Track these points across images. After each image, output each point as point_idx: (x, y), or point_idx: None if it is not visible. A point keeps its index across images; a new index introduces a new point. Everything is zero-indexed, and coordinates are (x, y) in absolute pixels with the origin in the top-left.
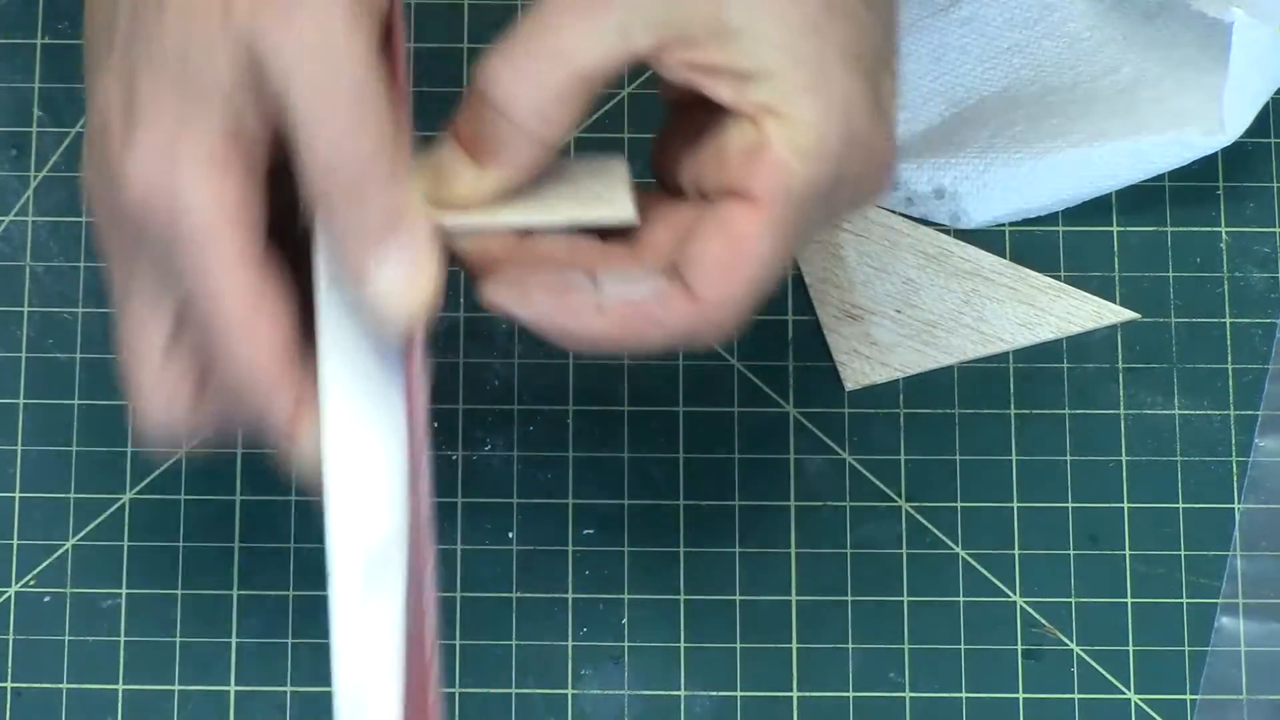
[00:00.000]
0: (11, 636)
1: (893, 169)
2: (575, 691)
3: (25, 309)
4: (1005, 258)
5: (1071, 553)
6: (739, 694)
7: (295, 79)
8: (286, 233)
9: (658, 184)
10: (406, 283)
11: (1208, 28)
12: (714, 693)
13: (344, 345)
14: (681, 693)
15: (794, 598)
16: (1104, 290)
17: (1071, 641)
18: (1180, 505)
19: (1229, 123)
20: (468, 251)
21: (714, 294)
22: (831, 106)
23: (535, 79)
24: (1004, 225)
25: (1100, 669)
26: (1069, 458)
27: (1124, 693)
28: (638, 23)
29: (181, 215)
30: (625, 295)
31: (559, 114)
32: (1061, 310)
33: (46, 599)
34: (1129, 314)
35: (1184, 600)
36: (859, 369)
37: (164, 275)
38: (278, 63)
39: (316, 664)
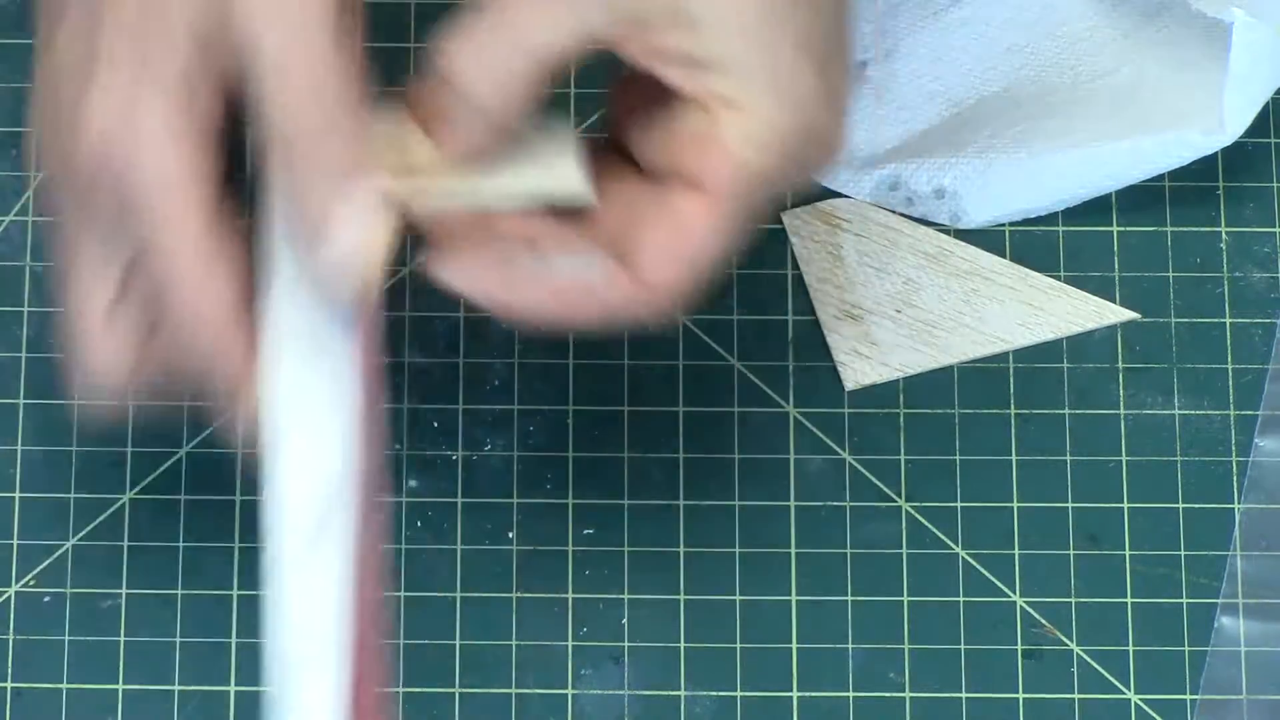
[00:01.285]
0: (11, 636)
1: (840, 150)
2: (575, 691)
3: (25, 309)
4: (1005, 258)
5: (1071, 553)
6: (739, 694)
7: (264, 24)
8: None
9: (610, 142)
10: (361, 240)
11: (1208, 28)
12: (714, 693)
13: (293, 301)
14: (681, 693)
15: (794, 598)
16: (1104, 290)
17: (1071, 641)
18: (1180, 505)
19: (1229, 123)
20: (422, 221)
21: (658, 279)
22: (786, 99)
23: (492, 61)
24: (1004, 225)
25: (1100, 669)
26: (1069, 458)
27: (1124, 693)
28: (595, 8)
29: (139, 167)
30: (569, 271)
31: (515, 96)
32: (1061, 310)
33: (46, 599)
34: (1129, 314)
35: (1184, 600)
36: (859, 369)
37: (114, 230)
38: (244, 8)
39: None
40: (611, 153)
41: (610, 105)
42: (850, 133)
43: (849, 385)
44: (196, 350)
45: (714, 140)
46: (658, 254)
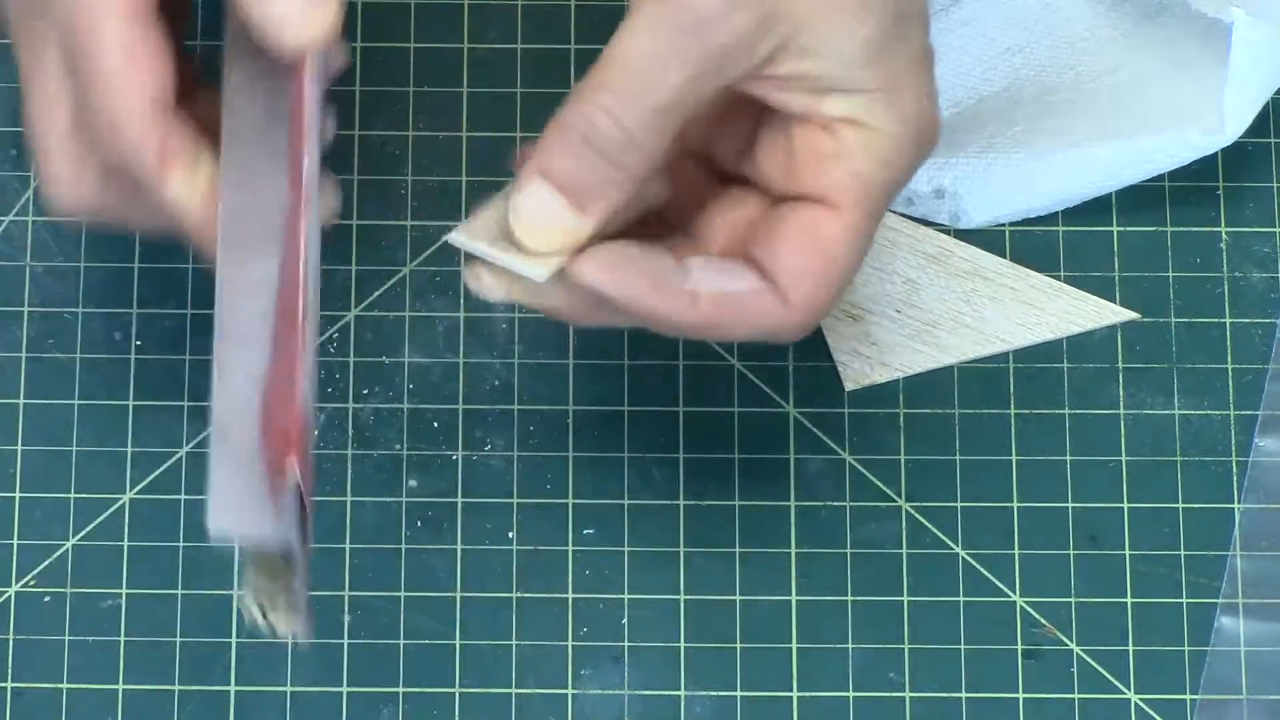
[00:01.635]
0: (11, 636)
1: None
2: (575, 691)
3: (25, 309)
4: (1005, 258)
5: (1071, 553)
6: (739, 694)
7: None
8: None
9: (691, 155)
10: (304, 6)
11: (1208, 28)
12: (714, 693)
13: (245, 102)
14: (681, 693)
15: (794, 598)
16: (1104, 290)
17: (1071, 641)
18: (1180, 505)
19: (1229, 123)
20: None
21: (806, 299)
22: (907, 113)
23: (635, 119)
24: (1004, 225)
25: (1100, 669)
26: (1069, 458)
27: (1124, 693)
28: (714, 53)
29: None
30: (721, 287)
31: (648, 153)
32: (1061, 310)
33: (46, 599)
34: (1129, 314)
35: (1184, 600)
36: (859, 369)
37: (66, 52)
38: None
39: (317, 664)
40: (687, 161)
41: (700, 122)
42: None
43: (849, 385)
44: (115, 140)
45: (842, 159)
46: (804, 275)
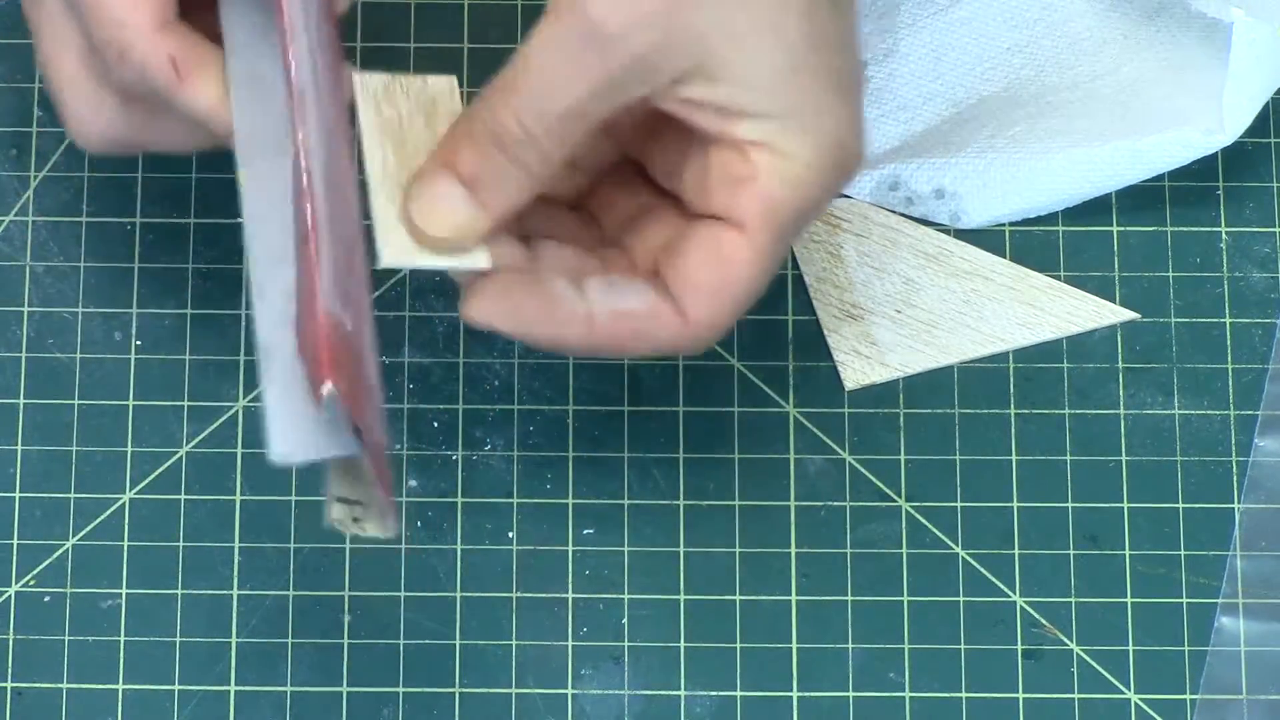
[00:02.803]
0: (11, 636)
1: (861, 166)
2: (575, 691)
3: (25, 309)
4: (1005, 258)
5: (1071, 553)
6: (739, 694)
7: None
8: None
9: (632, 164)
10: None
11: (1208, 28)
12: (714, 693)
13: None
14: (681, 693)
15: (794, 598)
16: (1104, 290)
17: (1071, 641)
18: (1180, 505)
19: (1229, 123)
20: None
21: (704, 316)
22: (821, 138)
23: (537, 122)
24: (1004, 225)
25: (1100, 669)
26: (1069, 458)
27: (1124, 693)
28: (623, 68)
29: None
30: (615, 306)
31: (549, 155)
32: (1061, 310)
33: (46, 599)
34: (1129, 314)
35: (1184, 600)
36: (859, 369)
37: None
38: None
39: (316, 664)
40: (634, 176)
41: (635, 136)
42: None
43: (849, 385)
44: (125, 58)
45: (751, 181)
46: (702, 291)
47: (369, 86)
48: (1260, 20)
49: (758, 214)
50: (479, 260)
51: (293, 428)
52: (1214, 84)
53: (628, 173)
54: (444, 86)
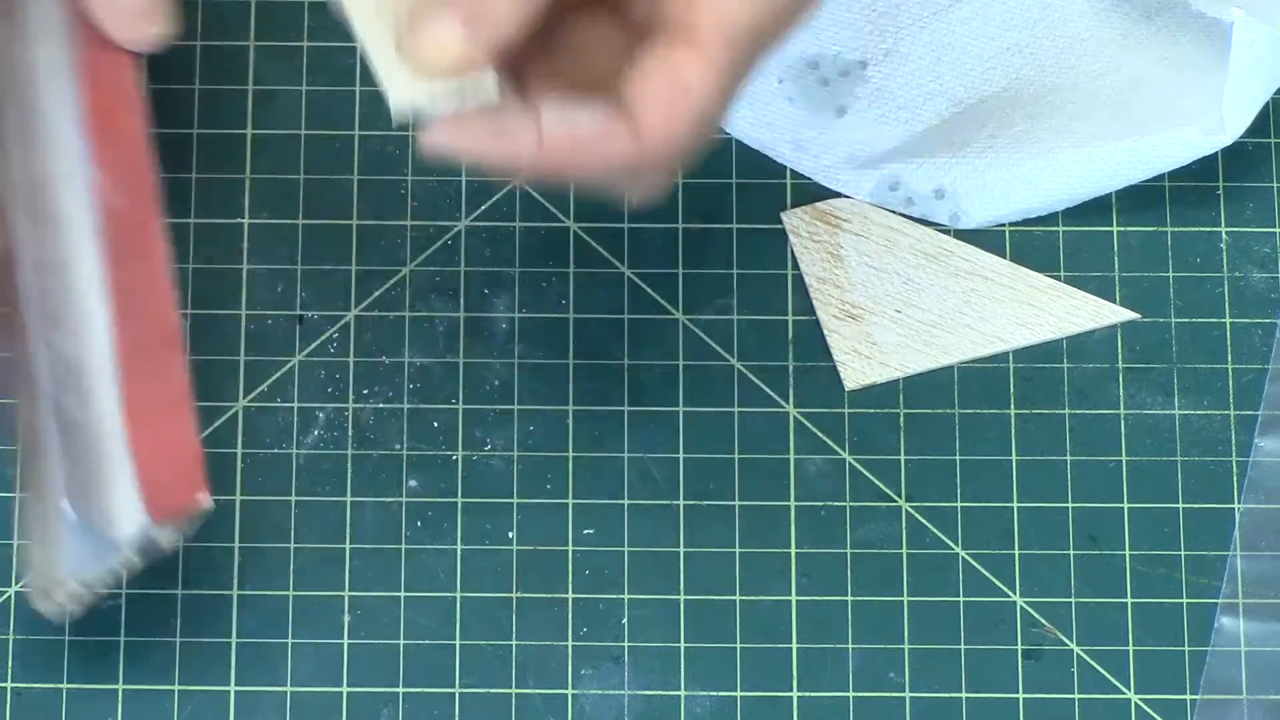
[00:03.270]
0: (11, 636)
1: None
2: (575, 691)
3: None
4: (1005, 258)
5: (1071, 553)
6: (739, 694)
7: None
8: None
9: None
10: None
11: (1208, 28)
12: (714, 693)
13: None
14: (681, 693)
15: (794, 598)
16: (1104, 290)
17: (1071, 641)
18: (1180, 505)
19: (1229, 123)
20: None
21: (657, 131)
22: None
23: None
24: (1004, 225)
25: (1100, 669)
26: (1069, 458)
27: (1124, 693)
28: None
29: None
30: (566, 123)
31: None
32: (1061, 310)
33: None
34: (1129, 314)
35: (1184, 600)
36: (859, 369)
37: None
38: None
39: (316, 664)
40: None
41: None
42: (850, 132)
43: (849, 385)
44: None
45: None
46: (655, 106)
47: None
48: (1260, 20)
49: (709, 25)
50: (487, 89)
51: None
52: (1214, 84)
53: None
54: None
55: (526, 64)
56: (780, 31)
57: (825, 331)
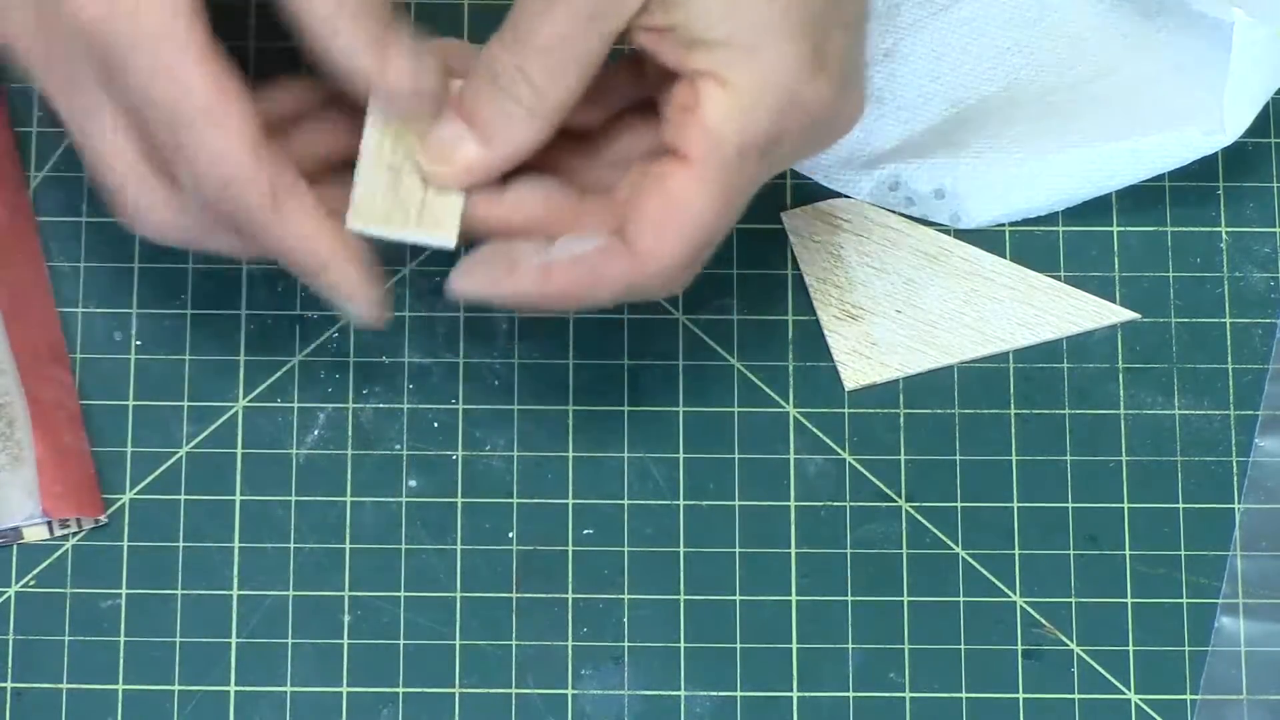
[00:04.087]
0: (11, 636)
1: (844, 118)
2: (575, 691)
3: None
4: (1005, 258)
5: (1071, 553)
6: (739, 694)
7: None
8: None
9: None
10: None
11: (1208, 28)
12: (714, 693)
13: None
14: (681, 693)
15: (794, 598)
16: (1104, 290)
17: (1071, 641)
18: (1180, 505)
19: (1229, 123)
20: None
21: (651, 249)
22: (767, 71)
23: (529, 62)
24: (1004, 225)
25: (1100, 669)
26: (1069, 458)
27: (1124, 693)
28: (603, 8)
29: (132, 18)
30: (570, 252)
31: (550, 89)
32: (1061, 310)
33: (46, 599)
34: (1129, 314)
35: (1184, 600)
36: (859, 369)
37: (119, 92)
38: None
39: (316, 664)
40: (625, 128)
41: (618, 83)
42: (859, 113)
43: (849, 385)
44: (223, 187)
45: (697, 112)
46: (648, 223)
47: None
48: (1260, 20)
49: (699, 143)
50: (446, 238)
51: None
52: (1214, 84)
53: (646, 115)
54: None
55: (563, 154)
56: (785, 149)
57: (825, 331)
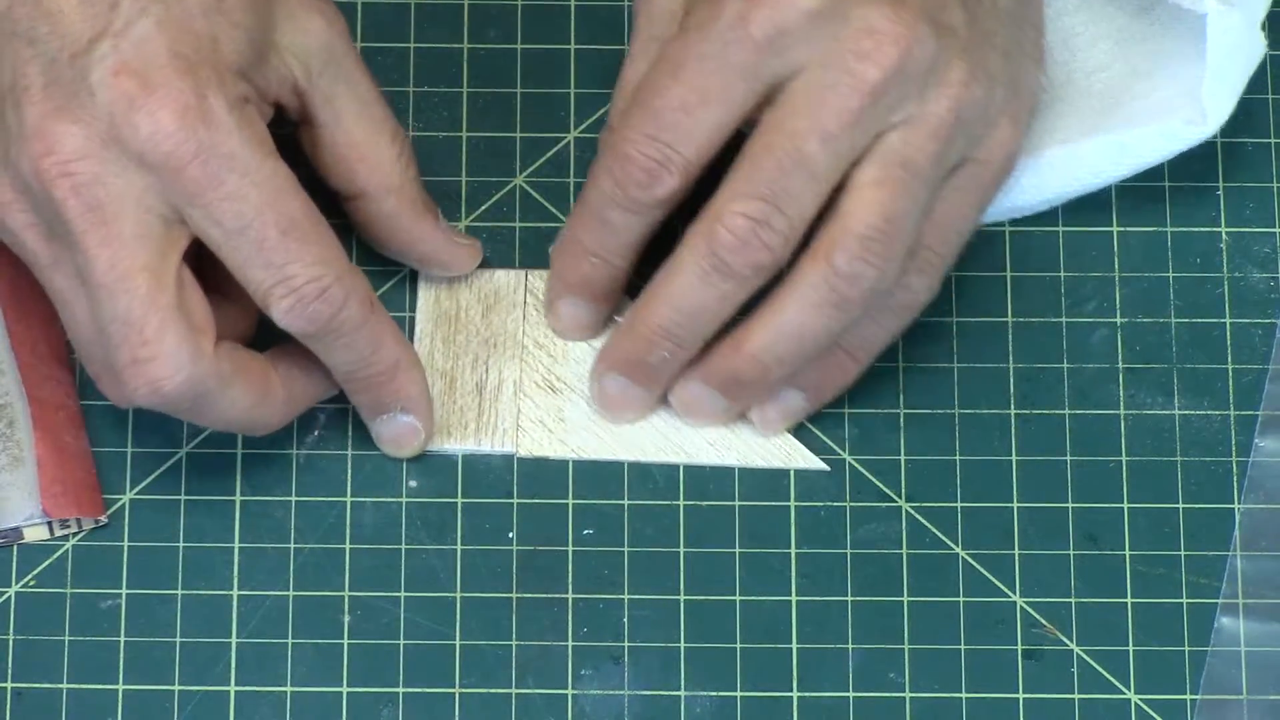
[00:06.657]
0: (11, 636)
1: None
2: (575, 691)
3: None
4: (1005, 258)
5: (1071, 553)
6: (739, 694)
7: None
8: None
9: None
10: None
11: (1191, 22)
12: (714, 693)
13: None
14: (681, 693)
15: (794, 598)
16: (1104, 290)
17: (1071, 641)
18: (1180, 505)
19: (1210, 113)
20: None
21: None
22: None
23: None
24: (1003, 225)
25: (1100, 669)
26: (1069, 458)
27: (1124, 693)
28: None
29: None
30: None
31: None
32: (753, 441)
33: (46, 599)
34: (819, 464)
35: (1184, 600)
36: (538, 439)
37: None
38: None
39: (316, 664)
40: None
41: None
42: None
43: (521, 452)
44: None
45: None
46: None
47: (431, 280)
48: (1230, 7)
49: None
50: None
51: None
52: (1196, 76)
53: None
54: (508, 281)
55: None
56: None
57: (519, 397)
